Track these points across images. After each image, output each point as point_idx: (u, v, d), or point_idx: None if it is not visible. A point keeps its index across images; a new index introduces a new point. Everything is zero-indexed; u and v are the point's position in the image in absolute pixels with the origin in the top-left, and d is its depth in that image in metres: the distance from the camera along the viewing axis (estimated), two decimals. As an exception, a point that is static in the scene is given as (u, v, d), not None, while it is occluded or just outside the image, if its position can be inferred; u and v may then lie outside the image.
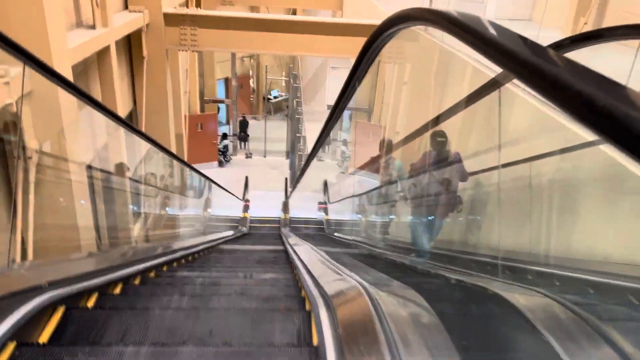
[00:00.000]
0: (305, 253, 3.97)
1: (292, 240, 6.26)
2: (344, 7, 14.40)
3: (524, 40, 0.74)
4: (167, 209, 8.54)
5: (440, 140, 4.55)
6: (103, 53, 5.75)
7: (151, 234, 8.00)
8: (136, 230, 7.56)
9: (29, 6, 3.41)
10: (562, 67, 0.62)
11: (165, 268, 3.93)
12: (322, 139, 4.73)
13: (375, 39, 1.80)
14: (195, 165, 14.87)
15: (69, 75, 4.01)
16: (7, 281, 2.04)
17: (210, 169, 15.36)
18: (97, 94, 6.13)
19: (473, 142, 4.25)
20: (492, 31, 0.76)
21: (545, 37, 6.89)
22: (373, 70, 8.75)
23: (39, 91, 3.68)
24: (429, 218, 4.80)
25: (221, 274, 3.61)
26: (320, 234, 10.15)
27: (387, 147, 6.49)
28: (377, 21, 7.09)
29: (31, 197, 3.69)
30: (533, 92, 0.70)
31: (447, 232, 4.74)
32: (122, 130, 6.45)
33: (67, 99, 3.96)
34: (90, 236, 4.58)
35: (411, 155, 5.27)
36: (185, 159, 12.31)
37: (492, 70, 3.83)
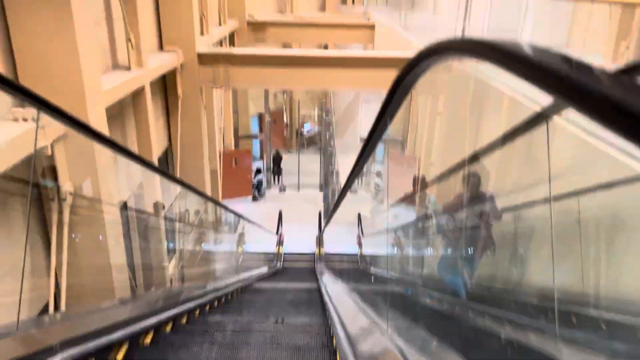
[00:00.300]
0: (339, 298, 3.79)
1: (326, 278, 6.08)
2: (375, 40, 14.49)
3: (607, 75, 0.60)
4: (201, 245, 8.52)
5: (473, 182, 4.53)
6: (138, 93, 5.86)
7: (186, 272, 7.98)
8: (171, 268, 7.54)
9: (65, 51, 3.47)
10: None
11: (197, 312, 3.83)
12: (354, 175, 4.60)
13: (408, 73, 1.68)
14: (229, 200, 14.98)
15: (102, 118, 4.05)
16: (13, 345, 1.95)
17: (245, 204, 15.41)
18: (132, 134, 6.23)
19: (512, 176, 4.05)
20: (566, 66, 0.62)
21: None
22: (406, 100, 8.63)
23: (73, 134, 3.71)
24: (463, 258, 4.66)
25: (253, 317, 3.48)
26: (355, 268, 9.91)
27: (422, 184, 6.30)
28: (409, 53, 7.00)
29: (64, 238, 3.69)
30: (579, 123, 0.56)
31: (490, 272, 4.50)
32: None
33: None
34: (124, 277, 4.55)
35: (446, 190, 5.06)
36: (220, 194, 12.39)
37: (528, 98, 3.65)
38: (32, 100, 2.10)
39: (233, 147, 15.58)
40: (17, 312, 2.05)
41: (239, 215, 8.67)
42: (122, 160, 5.79)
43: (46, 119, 3.37)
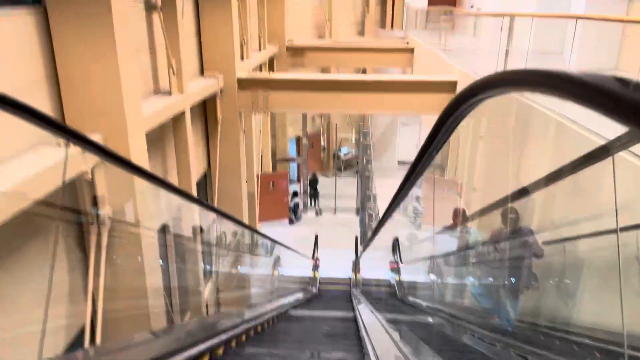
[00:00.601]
0: (376, 334, 3.63)
1: (362, 308, 5.90)
2: (414, 64, 14.40)
3: None
4: (237, 268, 8.50)
5: (512, 217, 4.62)
6: (178, 118, 5.95)
7: (222, 296, 7.94)
8: (206, 292, 7.52)
9: (107, 77, 3.54)
10: None
11: (233, 343, 3.76)
12: (393, 207, 4.48)
13: (458, 107, 1.56)
14: (266, 223, 15.01)
15: (142, 142, 4.09)
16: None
17: (281, 227, 15.40)
18: (172, 157, 6.31)
19: (563, 209, 3.82)
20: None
21: None
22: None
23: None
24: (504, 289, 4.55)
25: (289, 351, 3.39)
26: (393, 296, 9.64)
27: (463, 217, 6.15)
28: (449, 77, 6.86)
29: (102, 262, 3.70)
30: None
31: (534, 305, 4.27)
32: (195, 191, 6.57)
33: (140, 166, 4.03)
34: (161, 302, 4.54)
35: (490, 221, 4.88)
36: (257, 217, 12.42)
37: (575, 123, 3.44)
38: (59, 131, 2.09)
39: (271, 170, 15.67)
40: (40, 343, 2.01)
41: (274, 241, 8.60)
42: (157, 189, 5.88)
43: (88, 144, 3.41)
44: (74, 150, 3.28)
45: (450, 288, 6.17)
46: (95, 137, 3.58)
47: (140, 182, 4.01)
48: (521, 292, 4.42)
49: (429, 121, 12.40)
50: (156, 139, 5.91)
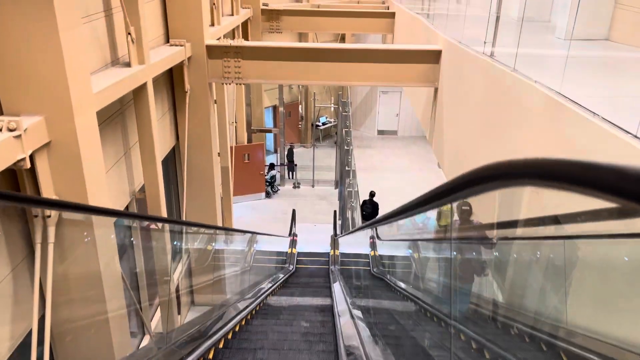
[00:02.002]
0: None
1: (338, 295, 5.67)
2: (395, 30, 13.94)
3: None
4: (210, 247, 8.20)
5: (464, 209, 4.75)
6: (139, 91, 5.50)
7: (194, 281, 7.66)
8: (176, 277, 7.22)
9: (45, 49, 3.09)
10: None
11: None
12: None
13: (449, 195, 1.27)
14: (241, 197, 14.67)
15: (92, 123, 3.68)
16: None
17: (257, 201, 15.09)
18: (134, 133, 5.88)
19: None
20: None
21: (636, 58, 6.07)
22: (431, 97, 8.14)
23: (58, 142, 3.35)
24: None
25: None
26: (370, 274, 9.51)
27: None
28: (433, 47, 6.46)
29: (50, 259, 3.34)
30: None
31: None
32: (159, 170, 6.17)
33: (90, 150, 3.63)
34: (120, 301, 4.22)
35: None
36: (231, 192, 12.06)
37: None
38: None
39: (245, 142, 15.22)
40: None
41: (249, 232, 8.28)
42: (118, 168, 5.45)
43: (23, 127, 3.01)
44: (6, 135, 2.87)
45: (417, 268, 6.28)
46: (35, 120, 3.16)
47: (91, 167, 3.62)
48: (473, 280, 4.58)
49: (410, 91, 12.05)
50: (115, 113, 5.47)
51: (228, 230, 7.76)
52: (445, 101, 7.21)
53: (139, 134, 5.76)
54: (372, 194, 13.20)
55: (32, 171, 3.27)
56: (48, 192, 3.38)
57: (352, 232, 7.86)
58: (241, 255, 9.33)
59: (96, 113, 4.13)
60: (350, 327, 4.30)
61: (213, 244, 9.25)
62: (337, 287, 7.81)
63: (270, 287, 7.64)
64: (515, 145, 4.06)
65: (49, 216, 3.37)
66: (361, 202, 11.99)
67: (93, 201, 3.60)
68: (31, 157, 3.15)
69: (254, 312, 5.82)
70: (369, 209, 12.96)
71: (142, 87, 5.46)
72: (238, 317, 5.03)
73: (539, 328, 2.61)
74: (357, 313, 4.50)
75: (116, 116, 5.53)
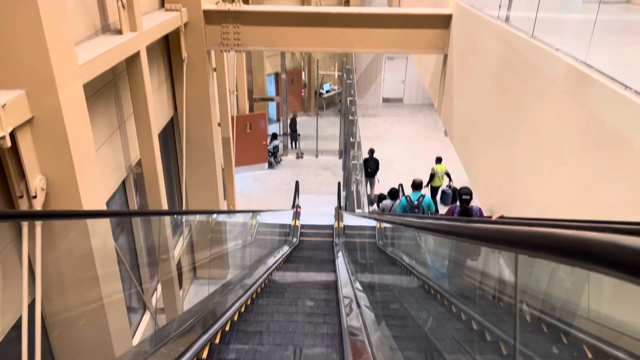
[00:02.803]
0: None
1: (343, 273, 5.54)
2: (402, -7, 13.45)
3: None
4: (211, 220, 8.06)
5: (465, 198, 5.75)
6: (132, 60, 5.24)
7: (197, 257, 7.56)
8: (177, 253, 7.11)
9: (22, 16, 2.85)
10: None
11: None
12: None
13: None
14: (244, 168, 14.49)
15: (78, 98, 3.45)
16: None
17: (260, 172, 14.92)
18: (129, 104, 5.65)
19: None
20: None
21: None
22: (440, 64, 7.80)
23: (41, 119, 3.15)
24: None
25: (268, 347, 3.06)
26: (374, 246, 9.41)
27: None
28: (443, 10, 6.13)
29: (37, 242, 3.17)
30: None
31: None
32: (156, 143, 5.97)
33: (78, 126, 3.42)
34: (116, 284, 4.08)
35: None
36: (233, 163, 11.87)
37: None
38: None
39: (247, 111, 14.93)
40: None
41: (251, 211, 8.12)
42: (113, 142, 5.24)
43: (1, 102, 2.80)
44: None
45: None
46: (15, 94, 2.94)
47: (79, 144, 3.42)
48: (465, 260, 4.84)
49: (418, 58, 11.67)
50: (108, 84, 5.23)
51: (227, 212, 7.59)
52: (455, 69, 6.91)
53: (134, 106, 5.54)
54: (371, 151, 13.46)
55: (16, 150, 3.08)
56: (33, 172, 3.19)
57: (355, 215, 7.71)
58: (243, 228, 9.20)
59: (86, 84, 3.92)
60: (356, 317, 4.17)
61: (214, 216, 9.13)
62: (340, 262, 7.70)
63: (273, 263, 7.52)
64: (533, 119, 3.83)
65: (35, 197, 3.20)
66: (363, 160, 11.80)
67: (82, 181, 3.42)
68: (12, 135, 2.95)
69: (255, 294, 5.72)
70: (372, 165, 13.27)
71: (135, 57, 5.20)
72: (241, 300, 4.92)
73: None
74: (364, 298, 4.36)
75: (109, 87, 5.30)
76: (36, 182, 3.18)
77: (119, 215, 3.39)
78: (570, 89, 3.20)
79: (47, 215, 2.89)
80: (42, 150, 3.21)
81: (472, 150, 5.68)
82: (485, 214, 6.37)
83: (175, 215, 6.01)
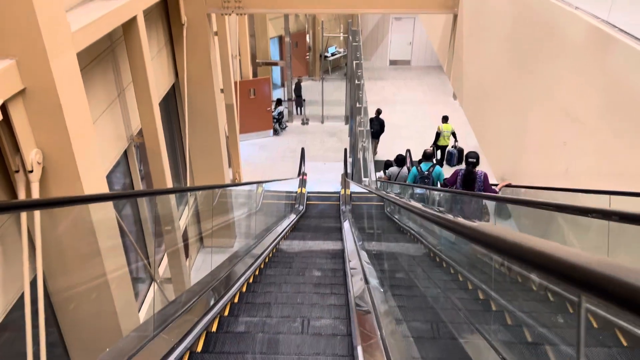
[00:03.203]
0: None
1: (350, 243, 5.49)
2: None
3: None
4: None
5: (471, 161, 5.84)
6: (129, 25, 5.06)
7: (203, 227, 7.55)
8: (182, 223, 7.08)
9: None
10: None
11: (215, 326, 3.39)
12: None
13: None
14: (249, 135, 14.36)
15: (72, 67, 3.32)
16: None
17: (265, 139, 14.78)
18: (127, 72, 5.51)
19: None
20: None
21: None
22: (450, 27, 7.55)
23: (34, 89, 3.03)
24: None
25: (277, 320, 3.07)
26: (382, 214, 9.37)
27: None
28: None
29: (36, 217, 3.11)
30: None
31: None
32: (157, 112, 5.85)
33: (72, 96, 3.31)
34: (121, 259, 4.03)
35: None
36: (237, 130, 11.74)
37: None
38: None
39: (251, 76, 14.68)
40: None
41: (256, 183, 8.03)
42: (112, 111, 5.12)
43: (-10, 74, 2.68)
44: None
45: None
46: (5, 64, 2.82)
47: (74, 115, 3.31)
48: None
49: (427, 19, 11.32)
50: (105, 51, 5.08)
51: (230, 186, 7.50)
52: (465, 29, 6.66)
53: (132, 74, 5.39)
54: (378, 112, 13.52)
55: (9, 124, 2.98)
56: (28, 146, 3.10)
57: (360, 186, 7.64)
58: (249, 196, 9.16)
59: (81, 52, 3.78)
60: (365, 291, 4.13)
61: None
62: (347, 231, 7.66)
63: (280, 232, 7.49)
64: (549, 83, 3.66)
65: (31, 171, 3.12)
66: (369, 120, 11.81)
67: (80, 154, 3.33)
68: (4, 107, 2.85)
69: (263, 264, 5.71)
70: (377, 125, 13.30)
71: (132, 22, 5.02)
72: (247, 273, 4.90)
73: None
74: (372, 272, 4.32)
75: (106, 55, 5.14)
76: (32, 156, 3.09)
77: (121, 197, 3.32)
78: (591, 50, 3.03)
79: (44, 204, 2.81)
80: (37, 122, 3.11)
81: (483, 115, 5.52)
82: (494, 181, 6.28)
83: (176, 194, 5.94)
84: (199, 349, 3.43)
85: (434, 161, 7.97)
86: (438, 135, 12.91)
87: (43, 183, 3.23)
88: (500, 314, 2.90)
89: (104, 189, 3.80)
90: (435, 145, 12.93)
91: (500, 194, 5.73)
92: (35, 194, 3.14)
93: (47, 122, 3.14)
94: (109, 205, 3.98)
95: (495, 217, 4.53)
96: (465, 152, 6.13)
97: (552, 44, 3.58)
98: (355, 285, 3.87)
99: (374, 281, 4.32)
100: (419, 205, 2.54)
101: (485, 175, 5.77)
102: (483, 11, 5.81)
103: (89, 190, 3.46)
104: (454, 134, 12.87)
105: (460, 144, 12.84)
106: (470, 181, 5.85)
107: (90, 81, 4.76)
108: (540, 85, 3.82)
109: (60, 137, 3.20)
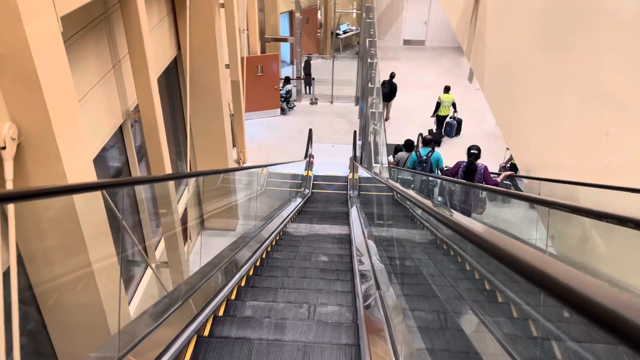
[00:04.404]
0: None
1: (357, 232, 5.20)
2: None
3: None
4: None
5: (472, 153, 6.30)
6: (125, -9, 4.70)
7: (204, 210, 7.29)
8: (181, 206, 6.79)
9: None
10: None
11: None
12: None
13: None
14: (255, 114, 14.00)
15: (52, 35, 2.97)
16: None
17: (272, 118, 14.42)
18: (124, 44, 5.16)
19: None
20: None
21: None
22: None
23: (6, 56, 2.70)
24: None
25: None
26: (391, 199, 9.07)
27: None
28: None
29: (10, 208, 2.82)
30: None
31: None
32: (155, 87, 5.51)
33: (52, 65, 2.97)
34: (109, 247, 3.74)
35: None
36: (243, 108, 11.39)
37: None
38: None
39: (259, 52, 14.26)
40: None
41: (259, 167, 7.73)
42: (106, 84, 4.78)
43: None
44: None
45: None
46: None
47: (53, 87, 2.98)
48: (473, 211, 5.83)
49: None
50: (98, 18, 4.73)
51: (231, 171, 7.18)
52: (490, 5, 6.23)
53: (129, 45, 5.04)
54: (392, 75, 14.11)
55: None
56: (1, 119, 2.79)
57: (369, 173, 7.42)
58: (252, 178, 8.86)
59: (69, 18, 3.44)
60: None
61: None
62: (355, 218, 7.35)
63: (284, 218, 7.18)
64: (589, 64, 3.28)
65: (4, 147, 2.81)
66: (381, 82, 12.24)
67: (60, 130, 3.01)
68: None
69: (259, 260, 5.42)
70: (387, 89, 13.70)
71: (128, -15, 4.66)
72: (245, 268, 4.61)
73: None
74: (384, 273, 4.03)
75: (99, 22, 4.79)
76: (4, 130, 2.78)
77: (111, 186, 3.01)
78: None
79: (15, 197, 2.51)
80: (10, 93, 2.79)
81: (507, 100, 5.13)
82: (517, 172, 6.01)
83: (172, 180, 5.63)
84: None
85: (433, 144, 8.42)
86: (438, 105, 13.17)
87: (18, 162, 2.92)
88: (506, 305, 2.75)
89: (89, 170, 3.49)
90: (436, 115, 13.23)
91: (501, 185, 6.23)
92: (9, 174, 2.83)
93: (22, 92, 2.82)
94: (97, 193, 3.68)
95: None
96: (471, 144, 6.12)
97: (598, 18, 3.19)
98: (367, 292, 3.59)
99: (389, 293, 4.04)
100: (428, 203, 2.28)
101: (485, 168, 6.29)
102: (512, -16, 5.38)
103: (71, 171, 3.15)
104: (454, 105, 13.13)
105: (459, 115, 13.38)
106: (471, 172, 6.30)
107: (81, 51, 4.42)
108: (579, 66, 3.43)
109: (37, 111, 2.88)
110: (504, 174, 6.38)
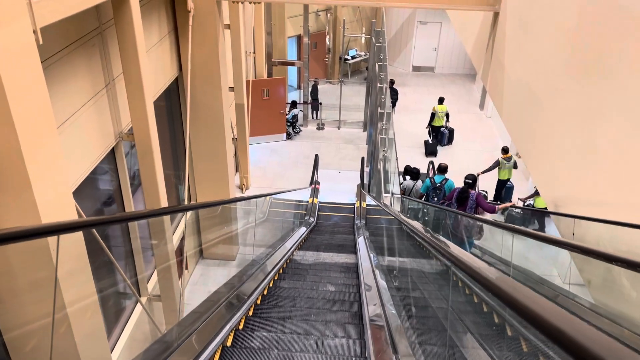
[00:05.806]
0: None
1: (366, 267, 4.81)
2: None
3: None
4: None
5: (466, 182, 7.07)
6: (120, 5, 4.43)
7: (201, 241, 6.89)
8: (176, 239, 6.43)
9: None
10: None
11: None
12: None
13: None
14: (260, 138, 13.73)
15: (27, 41, 2.66)
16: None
17: (277, 142, 14.14)
18: (118, 63, 4.87)
19: None
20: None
21: None
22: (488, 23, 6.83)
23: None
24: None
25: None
26: (401, 231, 8.64)
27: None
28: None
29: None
30: None
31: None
32: (151, 110, 5.19)
33: (22, 80, 2.65)
34: (90, 289, 3.37)
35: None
36: (247, 132, 11.11)
37: None
38: None
39: (265, 75, 14.07)
40: None
41: (259, 196, 7.36)
42: (97, 104, 4.46)
43: None
44: None
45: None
46: None
47: (25, 105, 2.65)
48: (472, 237, 6.53)
49: (459, 17, 10.58)
50: (91, 33, 4.45)
51: (230, 202, 6.80)
52: (509, 28, 5.93)
53: (123, 64, 4.75)
54: (391, 82, 15.29)
55: None
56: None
57: (378, 203, 7.11)
58: (254, 206, 8.50)
59: (55, 32, 3.15)
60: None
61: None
62: (362, 250, 6.94)
63: (285, 253, 6.76)
64: (631, 89, 2.93)
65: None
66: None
67: (30, 153, 2.67)
68: None
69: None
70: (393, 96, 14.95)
71: (123, 1, 4.39)
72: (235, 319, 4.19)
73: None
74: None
75: (92, 37, 4.52)
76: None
77: (93, 225, 2.66)
78: None
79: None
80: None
81: (531, 128, 4.78)
82: (545, 208, 5.90)
83: (167, 215, 5.27)
84: None
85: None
86: (433, 115, 13.89)
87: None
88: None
89: (65, 199, 3.13)
90: (430, 125, 13.95)
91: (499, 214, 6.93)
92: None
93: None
94: (73, 212, 3.32)
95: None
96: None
97: (638, 38, 2.85)
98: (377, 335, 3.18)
99: (397, 322, 3.63)
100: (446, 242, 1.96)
101: (478, 195, 7.02)
102: (534, 4, 5.08)
103: (43, 201, 2.79)
104: (447, 115, 13.94)
105: (450, 125, 14.24)
106: (463, 199, 6.99)
107: (70, 67, 4.13)
108: (618, 91, 3.08)
109: (3, 133, 2.55)
110: (502, 205, 7.42)
